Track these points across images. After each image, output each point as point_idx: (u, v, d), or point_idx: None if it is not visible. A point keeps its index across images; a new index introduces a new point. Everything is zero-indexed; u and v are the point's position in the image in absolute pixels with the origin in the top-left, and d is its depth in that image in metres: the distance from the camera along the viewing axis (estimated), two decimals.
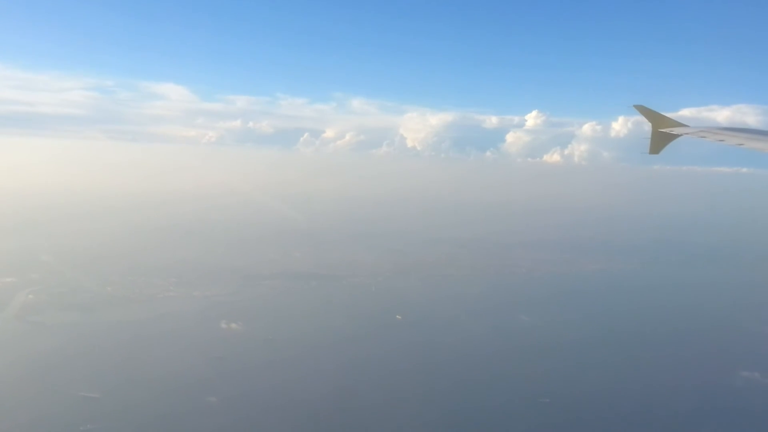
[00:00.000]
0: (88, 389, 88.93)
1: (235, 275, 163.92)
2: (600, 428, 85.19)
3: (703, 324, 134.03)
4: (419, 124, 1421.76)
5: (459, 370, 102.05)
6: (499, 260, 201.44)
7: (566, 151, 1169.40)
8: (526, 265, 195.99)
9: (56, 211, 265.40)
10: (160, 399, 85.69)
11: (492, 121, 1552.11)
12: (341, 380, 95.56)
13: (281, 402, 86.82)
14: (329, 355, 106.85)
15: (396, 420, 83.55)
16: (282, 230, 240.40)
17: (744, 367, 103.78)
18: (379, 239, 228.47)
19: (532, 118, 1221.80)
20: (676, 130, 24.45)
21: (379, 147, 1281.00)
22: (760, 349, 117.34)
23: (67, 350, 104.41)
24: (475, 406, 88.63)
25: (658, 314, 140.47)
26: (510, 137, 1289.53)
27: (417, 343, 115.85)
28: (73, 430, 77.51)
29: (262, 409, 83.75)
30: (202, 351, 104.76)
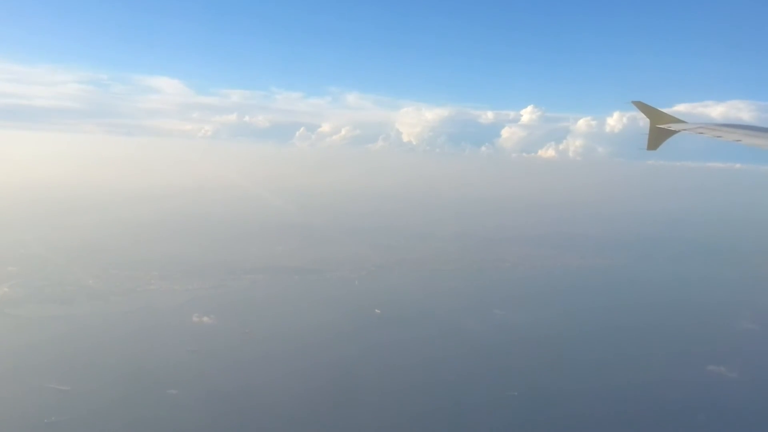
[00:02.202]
0: (59, 381, 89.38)
1: (220, 269, 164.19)
2: (568, 421, 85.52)
3: (681, 320, 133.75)
4: (415, 119, 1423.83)
5: (426, 365, 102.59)
6: (485, 255, 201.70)
7: (561, 147, 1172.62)
8: (511, 260, 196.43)
9: (49, 205, 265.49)
10: (126, 391, 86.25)
11: (488, 116, 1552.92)
12: (310, 375, 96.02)
13: (243, 395, 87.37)
14: (302, 349, 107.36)
15: (359, 418, 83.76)
16: (274, 225, 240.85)
17: (712, 362, 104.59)
18: (369, 234, 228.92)
19: (527, 114, 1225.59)
20: (674, 126, 24.54)
21: (375, 142, 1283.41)
22: (734, 344, 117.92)
23: (42, 343, 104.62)
24: (440, 401, 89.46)
25: (636, 310, 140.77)
26: (505, 132, 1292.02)
27: (392, 338, 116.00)
28: (38, 422, 78.00)
29: (222, 403, 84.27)
30: (176, 344, 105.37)
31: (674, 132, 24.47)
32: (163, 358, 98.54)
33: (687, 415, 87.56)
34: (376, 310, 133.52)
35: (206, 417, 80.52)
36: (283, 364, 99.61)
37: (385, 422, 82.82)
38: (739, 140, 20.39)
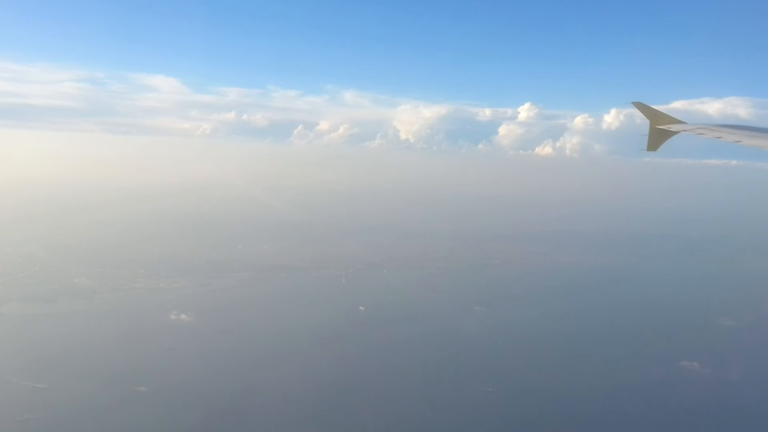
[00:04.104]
0: (37, 380, 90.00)
1: (209, 267, 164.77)
2: (541, 419, 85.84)
3: (664, 318, 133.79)
4: (413, 117, 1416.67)
5: (402, 361, 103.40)
6: (475, 253, 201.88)
7: (558, 144, 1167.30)
8: (501, 257, 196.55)
9: (45, 204, 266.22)
10: (99, 389, 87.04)
11: (485, 113, 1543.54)
12: (283, 372, 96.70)
13: (213, 392, 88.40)
14: (280, 346, 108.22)
15: (329, 417, 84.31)
16: (269, 223, 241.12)
17: (687, 358, 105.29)
18: (362, 232, 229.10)
19: (524, 111, 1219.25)
20: (673, 127, 24.49)
21: (373, 139, 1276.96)
22: (711, 340, 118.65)
23: (21, 341, 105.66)
24: (411, 398, 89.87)
25: (619, 308, 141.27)
26: (502, 130, 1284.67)
27: (373, 335, 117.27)
28: (10, 419, 78.60)
29: (189, 399, 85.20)
30: (154, 342, 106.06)
31: (674, 133, 24.47)
32: (140, 356, 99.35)
33: (657, 410, 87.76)
34: (360, 308, 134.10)
35: (172, 413, 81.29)
36: (258, 361, 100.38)
37: (354, 420, 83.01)
38: (739, 141, 20.34)
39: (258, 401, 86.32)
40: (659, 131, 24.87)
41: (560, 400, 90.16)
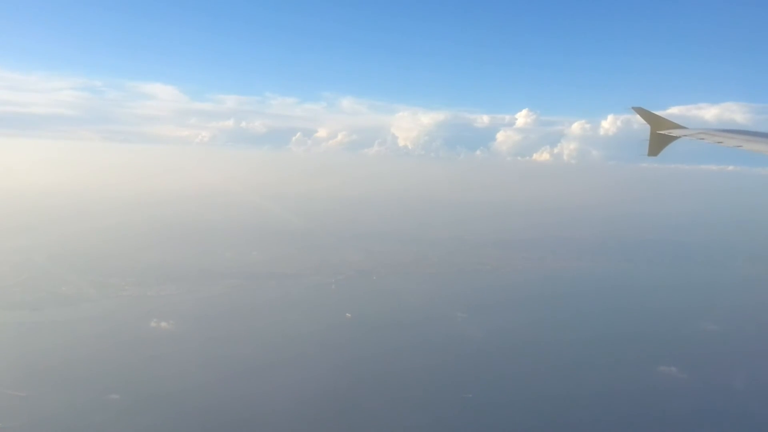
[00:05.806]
0: (17, 387, 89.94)
1: (199, 275, 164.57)
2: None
3: (647, 323, 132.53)
4: (411, 124, 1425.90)
5: (383, 370, 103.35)
6: (467, 259, 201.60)
7: (556, 150, 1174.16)
8: (493, 263, 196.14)
9: (43, 212, 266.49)
10: (80, 397, 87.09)
11: (483, 120, 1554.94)
12: (262, 377, 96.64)
13: (188, 398, 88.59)
14: (262, 352, 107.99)
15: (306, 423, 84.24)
16: (264, 230, 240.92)
17: (665, 363, 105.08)
18: (357, 239, 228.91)
19: (522, 117, 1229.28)
20: (674, 132, 24.58)
21: (371, 146, 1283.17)
22: (692, 345, 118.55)
23: (6, 349, 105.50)
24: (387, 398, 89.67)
25: (603, 314, 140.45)
26: (500, 136, 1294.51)
27: (357, 341, 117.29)
28: None
29: (162, 407, 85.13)
30: (136, 349, 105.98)
31: (675, 138, 24.49)
32: (122, 364, 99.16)
33: (632, 416, 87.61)
34: (347, 314, 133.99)
35: (149, 422, 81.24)
36: (240, 369, 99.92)
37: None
38: (740, 146, 20.35)
39: (240, 410, 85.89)
40: (660, 136, 24.96)
41: (539, 408, 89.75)
